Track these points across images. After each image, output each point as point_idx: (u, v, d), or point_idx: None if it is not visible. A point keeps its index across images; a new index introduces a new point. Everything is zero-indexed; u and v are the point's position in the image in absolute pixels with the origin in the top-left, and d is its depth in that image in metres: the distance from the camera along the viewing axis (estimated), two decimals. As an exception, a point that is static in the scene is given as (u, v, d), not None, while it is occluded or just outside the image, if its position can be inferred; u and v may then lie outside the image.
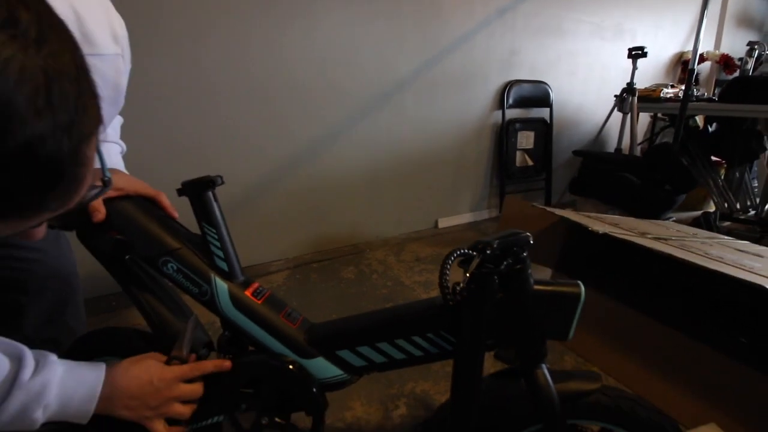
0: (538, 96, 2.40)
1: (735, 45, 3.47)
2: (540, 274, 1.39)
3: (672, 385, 1.03)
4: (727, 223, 2.37)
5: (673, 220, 2.22)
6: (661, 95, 2.34)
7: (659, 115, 2.77)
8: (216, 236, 0.64)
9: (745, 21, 3.65)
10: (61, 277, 0.78)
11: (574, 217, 1.12)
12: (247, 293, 0.65)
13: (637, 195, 1.90)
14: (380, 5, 1.81)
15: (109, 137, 0.69)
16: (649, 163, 1.97)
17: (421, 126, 2.09)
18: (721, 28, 3.43)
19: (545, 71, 2.42)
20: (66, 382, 0.49)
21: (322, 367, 0.65)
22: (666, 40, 3.02)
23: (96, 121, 0.29)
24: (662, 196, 1.87)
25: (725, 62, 3.25)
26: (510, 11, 2.17)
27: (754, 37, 3.76)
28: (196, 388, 0.59)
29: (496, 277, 0.53)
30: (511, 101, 2.29)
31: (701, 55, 3.25)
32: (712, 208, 2.53)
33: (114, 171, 0.66)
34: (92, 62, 0.29)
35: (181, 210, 0.71)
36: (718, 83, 3.31)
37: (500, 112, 2.29)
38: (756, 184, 2.69)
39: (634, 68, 2.29)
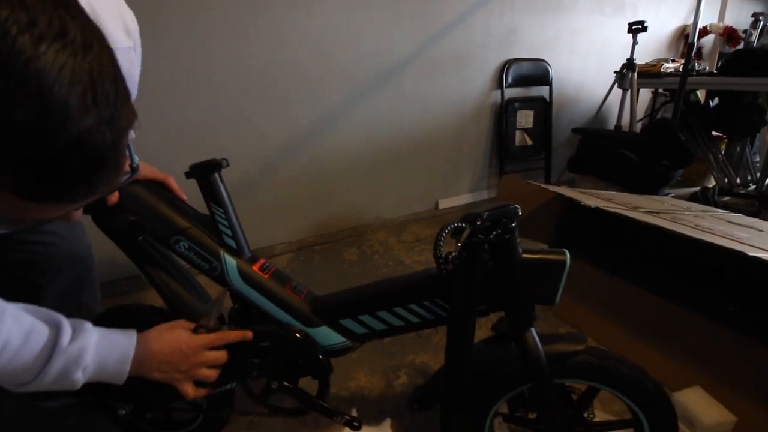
0: (538, 74, 2.39)
1: (740, 17, 3.40)
2: (537, 249, 1.43)
3: (661, 351, 1.08)
4: (726, 198, 2.39)
5: (672, 196, 2.24)
6: (662, 70, 2.33)
7: (660, 90, 2.75)
8: (223, 215, 0.68)
9: (751, -9, 3.57)
10: (77, 259, 0.82)
11: (568, 192, 1.15)
12: (255, 268, 0.69)
13: (635, 171, 1.92)
14: (377, -15, 1.80)
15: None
16: (647, 139, 1.98)
17: (421, 107, 2.10)
18: (725, 0, 3.36)
19: (545, 49, 2.40)
20: (101, 346, 0.53)
21: (326, 335, 0.70)
22: (668, 14, 2.96)
23: (131, 115, 0.34)
24: (660, 171, 1.89)
25: (729, 35, 3.19)
26: (508, -13, 2.15)
27: (759, 8, 3.68)
28: (221, 355, 0.64)
29: (486, 246, 0.56)
30: (510, 80, 2.28)
31: (704, 28, 3.19)
32: (712, 184, 2.54)
33: None
34: None
35: (188, 192, 0.75)
36: (721, 56, 3.26)
37: (499, 91, 2.29)
38: (757, 159, 2.69)
39: (634, 43, 2.27)
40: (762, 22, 2.84)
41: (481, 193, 2.46)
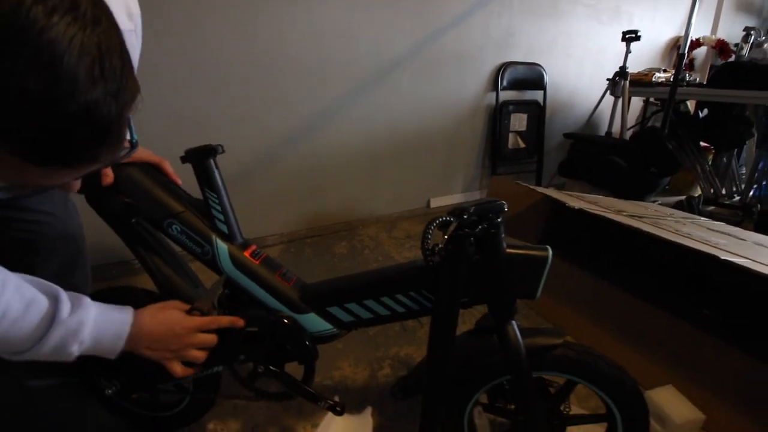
0: (533, 78, 2.42)
1: (733, 30, 3.47)
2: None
3: (638, 351, 1.11)
4: (711, 208, 2.45)
5: (659, 203, 2.29)
6: (653, 79, 2.38)
7: (651, 99, 2.81)
8: (217, 201, 0.69)
9: (744, 6, 3.64)
10: (70, 239, 0.83)
11: (554, 194, 1.17)
12: (246, 254, 0.70)
13: (624, 177, 1.96)
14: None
15: None
16: (636, 146, 2.02)
17: (417, 106, 2.11)
18: (718, 13, 3.42)
19: (540, 53, 2.43)
20: (99, 321, 0.54)
21: (313, 321, 0.71)
22: (663, 24, 3.02)
23: (135, 89, 0.35)
24: (648, 178, 1.93)
25: (721, 48, 3.26)
26: (507, -9, 2.17)
27: (753, 23, 3.76)
28: (212, 338, 0.65)
29: (471, 240, 0.58)
30: (505, 83, 2.31)
31: (697, 41, 3.25)
32: (699, 193, 2.60)
33: None
34: None
35: (183, 177, 0.75)
36: (713, 69, 3.33)
37: (494, 93, 2.31)
38: (744, 171, 2.76)
39: (628, 52, 2.31)
40: (753, 37, 2.91)
41: (473, 194, 2.49)
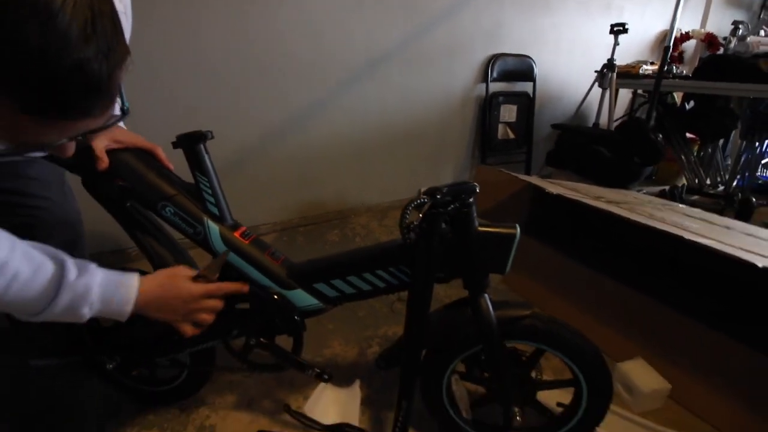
0: (522, 70, 2.46)
1: (723, 24, 3.51)
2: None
3: (612, 327, 1.17)
4: (694, 197, 2.52)
5: (643, 192, 2.35)
6: (640, 72, 2.42)
7: (639, 91, 2.85)
8: (207, 184, 0.73)
9: (734, 0, 3.69)
10: (68, 224, 0.87)
11: (535, 181, 1.23)
12: (236, 234, 0.75)
13: (608, 167, 2.01)
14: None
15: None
16: (621, 137, 2.07)
17: (407, 97, 2.15)
18: (708, 7, 3.46)
19: (530, 45, 2.47)
20: (106, 285, 0.58)
21: (301, 297, 0.76)
22: (653, 17, 3.06)
23: (125, 51, 0.39)
24: (631, 168, 1.99)
25: (709, 41, 3.31)
26: (497, -17, 2.20)
27: (742, 16, 3.80)
28: (218, 304, 0.69)
29: (444, 218, 0.63)
30: (495, 74, 2.35)
31: (686, 34, 3.30)
32: (684, 183, 2.67)
33: (115, 126, 0.74)
34: None
35: (174, 162, 0.79)
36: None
37: (484, 85, 2.35)
38: (729, 162, 2.82)
39: (616, 44, 2.35)
40: (741, 30, 2.95)
41: (463, 183, 2.54)
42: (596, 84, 2.50)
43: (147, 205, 0.75)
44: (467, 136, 2.46)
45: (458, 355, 0.78)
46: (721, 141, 2.87)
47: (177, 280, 0.66)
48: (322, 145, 1.98)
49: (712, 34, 3.30)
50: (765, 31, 3.36)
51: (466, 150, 2.49)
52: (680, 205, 1.61)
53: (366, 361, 1.14)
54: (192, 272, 0.68)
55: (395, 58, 2.04)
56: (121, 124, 0.79)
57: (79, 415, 0.94)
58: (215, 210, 0.75)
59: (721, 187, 2.60)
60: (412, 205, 0.63)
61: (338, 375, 1.07)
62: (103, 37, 0.35)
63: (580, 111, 2.68)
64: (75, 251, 0.95)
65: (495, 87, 2.39)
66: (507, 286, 1.50)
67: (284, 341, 0.82)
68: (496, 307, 0.72)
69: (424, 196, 0.63)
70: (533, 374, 0.81)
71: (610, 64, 2.36)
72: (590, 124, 2.74)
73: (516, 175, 1.27)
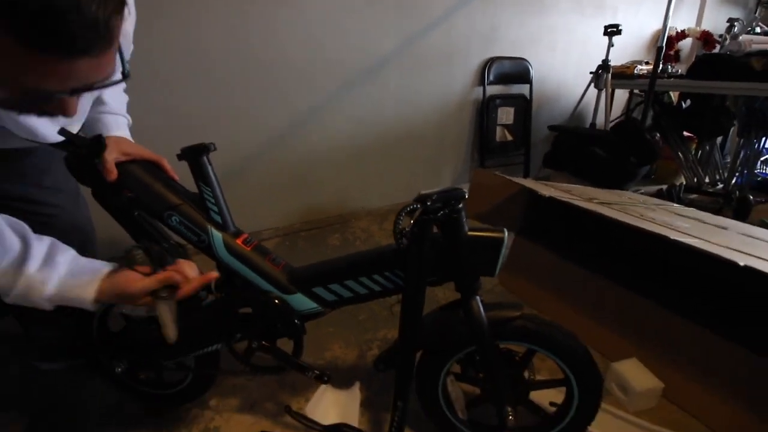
0: (519, 72, 2.49)
1: (719, 21, 3.53)
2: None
3: (607, 328, 1.20)
4: (693, 195, 2.54)
5: (641, 192, 2.37)
6: (635, 72, 2.45)
7: (636, 91, 2.88)
8: (211, 194, 0.77)
9: (730, -3, 3.71)
10: (79, 230, 0.91)
11: (529, 184, 1.25)
12: (238, 241, 0.79)
13: (604, 167, 2.04)
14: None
15: (118, 111, 0.80)
16: (616, 137, 2.10)
17: (405, 101, 2.18)
18: (703, 5, 3.48)
19: (526, 47, 2.50)
20: (63, 285, 0.60)
21: (300, 301, 0.79)
22: (647, 17, 3.08)
23: (120, 3, 0.41)
24: (627, 168, 2.01)
25: (705, 39, 3.33)
26: (491, -13, 2.24)
27: (738, 13, 3.82)
28: (148, 300, 0.67)
29: (435, 223, 0.67)
30: (491, 78, 2.38)
31: (682, 32, 3.32)
32: (683, 181, 2.69)
33: (122, 139, 0.78)
34: None
35: (179, 173, 0.83)
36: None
37: (481, 88, 2.38)
38: (728, 160, 2.84)
39: (610, 45, 2.38)
40: (737, 28, 2.97)
41: (463, 186, 2.56)
42: (592, 85, 2.53)
43: (154, 215, 0.78)
44: (465, 138, 2.49)
45: (452, 356, 0.81)
46: (720, 139, 2.89)
47: (123, 278, 0.65)
48: (322, 149, 2.02)
49: (707, 32, 3.31)
50: (761, 28, 3.38)
51: (465, 152, 2.52)
52: (674, 205, 1.63)
53: (366, 363, 1.17)
54: (139, 274, 0.66)
55: (393, 62, 2.07)
56: (128, 136, 0.82)
57: (82, 416, 0.97)
58: (218, 218, 0.78)
59: (720, 185, 2.61)
60: (405, 211, 0.66)
61: (338, 377, 1.10)
62: None
63: (577, 112, 2.71)
64: (85, 255, 0.99)
65: (492, 90, 2.42)
66: (504, 288, 1.53)
67: (285, 344, 0.86)
68: (488, 308, 0.74)
69: (416, 203, 0.66)
70: (526, 374, 0.84)
71: (604, 65, 2.39)
72: (587, 125, 2.76)
73: (510, 179, 1.30)
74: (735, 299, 1.03)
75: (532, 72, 2.54)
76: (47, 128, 0.64)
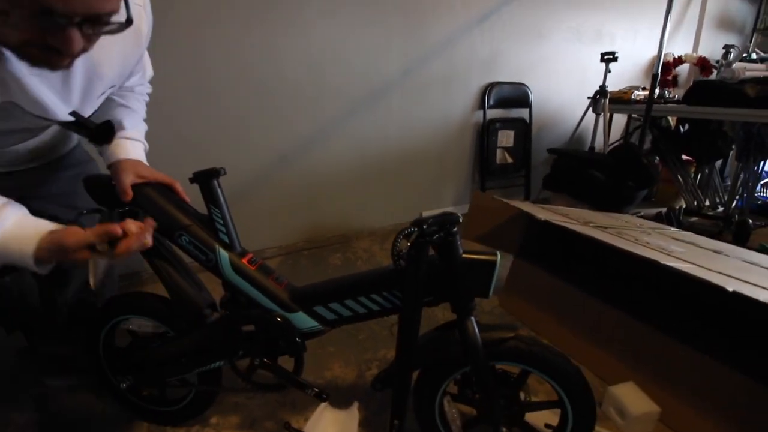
0: (518, 97, 2.56)
1: (716, 46, 3.62)
2: (501, 260, 1.55)
3: (605, 351, 1.21)
4: (693, 219, 2.55)
5: (640, 215, 2.40)
6: (632, 97, 2.51)
7: (634, 115, 2.94)
8: (220, 215, 0.81)
9: (726, 24, 3.81)
10: None
11: (526, 207, 1.29)
12: (244, 261, 0.82)
13: (602, 190, 2.07)
14: (368, 12, 1.96)
15: (137, 137, 0.86)
16: (614, 161, 2.14)
17: (407, 124, 2.25)
18: (699, 32, 3.59)
19: (525, 73, 2.58)
20: (10, 232, 0.61)
21: (302, 319, 0.82)
22: (644, 43, 3.17)
23: None
24: (624, 191, 2.05)
25: (702, 65, 3.41)
26: (490, 17, 2.33)
27: (734, 40, 3.92)
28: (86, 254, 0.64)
29: (430, 246, 0.70)
30: (491, 102, 2.45)
31: (680, 58, 3.41)
32: (683, 205, 2.71)
33: (138, 163, 0.83)
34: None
35: (190, 195, 0.88)
36: (693, 86, 3.46)
37: (481, 112, 2.45)
38: (729, 183, 2.86)
39: (607, 71, 2.45)
40: (733, 54, 3.05)
41: (464, 207, 2.60)
42: (590, 109, 2.59)
43: (165, 234, 0.82)
44: (466, 160, 2.54)
45: (448, 376, 0.83)
46: (719, 162, 2.93)
47: (67, 237, 0.63)
48: (325, 171, 2.07)
49: (704, 58, 3.40)
50: (757, 54, 3.46)
51: (466, 174, 2.57)
52: (672, 229, 1.65)
53: (365, 383, 1.18)
54: (87, 236, 0.64)
55: (395, 88, 2.15)
56: (145, 161, 0.87)
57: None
58: (226, 239, 0.82)
59: (721, 209, 2.63)
60: (402, 234, 0.70)
61: (337, 397, 1.11)
62: None
63: (576, 135, 2.76)
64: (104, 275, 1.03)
65: (492, 113, 2.49)
66: (504, 310, 1.55)
67: (286, 363, 0.88)
68: (482, 329, 0.77)
69: (413, 226, 0.70)
70: (522, 396, 0.85)
71: (602, 91, 2.46)
72: (587, 148, 2.81)
73: (508, 202, 1.33)
74: (732, 325, 1.04)
75: (532, 96, 2.61)
76: (57, 106, 0.67)
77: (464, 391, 0.89)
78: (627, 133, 2.96)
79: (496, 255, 0.74)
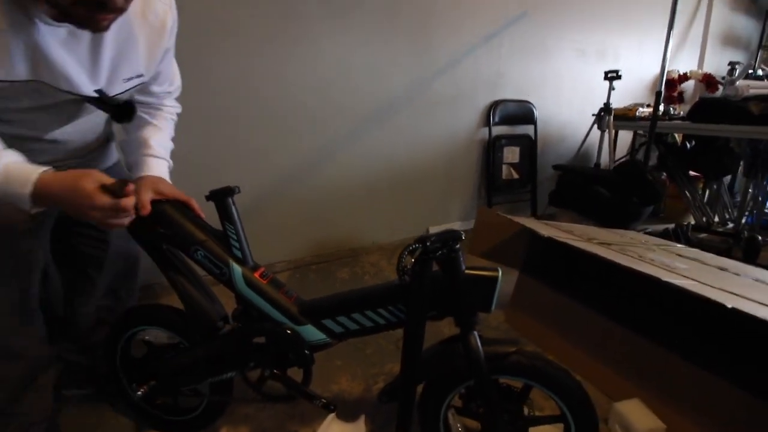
0: (523, 114, 2.61)
1: (722, 62, 3.65)
2: (506, 276, 1.57)
3: (610, 367, 1.21)
4: (702, 235, 2.54)
5: (647, 231, 2.39)
6: (637, 114, 2.54)
7: (640, 131, 2.96)
8: (233, 231, 0.85)
9: (731, 40, 3.84)
10: (126, 259, 1.01)
11: (529, 224, 1.31)
12: (256, 275, 0.86)
13: (608, 207, 2.09)
14: (375, 34, 2.03)
15: (162, 156, 0.91)
16: (618, 177, 2.16)
17: (414, 141, 2.31)
18: (704, 49, 3.62)
19: (530, 91, 2.63)
20: (9, 168, 0.63)
21: (311, 332, 0.85)
22: (650, 61, 3.21)
23: None
24: (630, 208, 2.06)
25: (707, 81, 3.44)
26: (495, 37, 2.40)
27: (740, 56, 3.94)
28: (105, 217, 0.68)
29: (436, 262, 0.73)
30: (497, 119, 2.50)
31: (685, 74, 3.44)
32: (692, 221, 2.70)
33: (159, 179, 0.88)
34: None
35: (205, 212, 0.92)
36: (697, 103, 3.48)
37: (487, 129, 2.50)
38: (738, 199, 2.85)
39: (611, 89, 2.49)
40: (738, 70, 3.07)
41: (470, 222, 2.63)
42: (595, 126, 2.62)
43: (181, 249, 0.87)
44: (473, 176, 2.58)
45: (452, 390, 0.85)
46: (729, 178, 2.92)
47: (81, 183, 0.65)
48: (334, 187, 2.13)
49: (709, 74, 3.43)
50: (763, 70, 3.47)
51: (473, 190, 2.60)
52: (678, 245, 1.66)
53: (372, 396, 1.20)
54: (102, 180, 0.67)
55: (402, 105, 2.21)
56: (167, 178, 0.92)
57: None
58: (239, 254, 0.86)
59: (731, 225, 2.62)
60: (407, 250, 0.73)
61: (344, 410, 1.13)
62: None
63: (581, 151, 2.79)
64: (126, 280, 1.08)
65: (497, 130, 2.54)
66: (510, 325, 1.55)
67: (295, 375, 0.91)
68: (485, 343, 0.79)
69: (417, 243, 0.73)
70: (525, 410, 0.87)
71: (606, 108, 2.49)
72: (592, 164, 2.83)
73: (511, 218, 1.36)
74: (732, 340, 1.04)
75: (536, 113, 2.65)
76: (84, 82, 0.72)
77: (469, 404, 0.90)
78: (633, 149, 2.98)
79: (497, 271, 0.77)
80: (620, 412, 1.07)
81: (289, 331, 0.85)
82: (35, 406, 0.91)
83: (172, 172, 1.03)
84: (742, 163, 2.52)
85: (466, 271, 0.76)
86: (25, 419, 0.89)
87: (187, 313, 0.90)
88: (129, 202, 0.69)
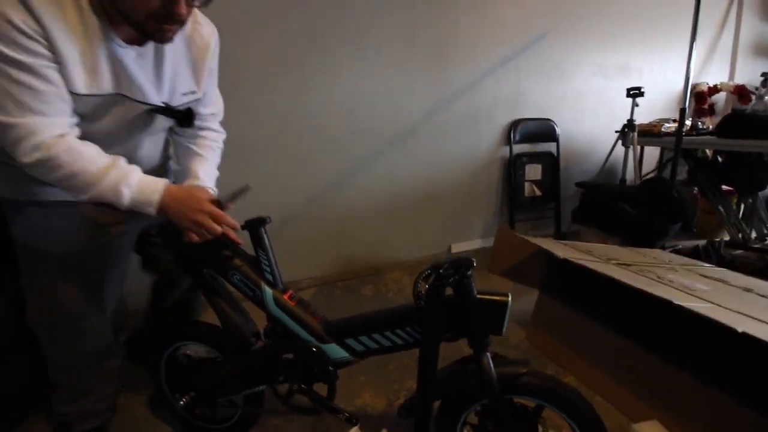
0: (544, 132, 2.63)
1: (754, 73, 3.53)
2: (527, 296, 1.60)
3: (628, 388, 1.21)
4: (738, 252, 2.45)
5: (677, 248, 2.34)
6: (662, 130, 2.51)
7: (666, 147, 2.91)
8: (265, 257, 0.95)
9: (763, 50, 3.71)
10: (129, 258, 1.07)
11: (545, 244, 1.34)
12: (285, 297, 0.95)
13: (633, 224, 2.07)
14: (394, 59, 2.13)
15: (207, 185, 1.02)
16: (645, 194, 2.14)
17: (435, 160, 2.37)
18: (734, 58, 3.53)
19: (550, 109, 2.66)
20: (143, 176, 0.81)
21: (334, 350, 0.93)
22: (675, 74, 3.16)
23: None
24: (657, 225, 2.03)
25: (740, 93, 3.33)
26: (514, 59, 2.45)
27: (768, 68, 3.80)
28: (215, 228, 0.87)
29: (446, 288, 0.79)
30: (517, 137, 2.53)
31: (715, 86, 3.35)
32: (727, 237, 2.61)
33: None
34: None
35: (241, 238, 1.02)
36: (728, 116, 3.38)
37: (507, 147, 2.54)
38: (777, 214, 2.73)
39: (634, 105, 2.48)
40: (771, 82, 2.97)
41: (491, 239, 2.64)
42: (619, 142, 2.60)
43: (220, 273, 0.97)
44: (494, 194, 2.61)
45: (467, 408, 0.90)
46: (766, 192, 2.81)
47: (196, 193, 0.87)
48: (358, 207, 2.22)
49: (741, 85, 3.32)
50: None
51: (494, 207, 2.63)
52: (705, 265, 1.63)
53: (393, 411, 1.25)
54: (210, 195, 0.90)
55: (422, 126, 2.29)
56: None
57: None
58: (270, 278, 0.95)
59: (768, 241, 2.51)
60: (422, 276, 0.80)
61: (367, 424, 1.19)
62: None
63: (606, 167, 2.77)
64: (124, 279, 1.15)
65: (518, 148, 2.56)
66: (530, 344, 1.57)
67: (320, 389, 0.98)
68: (497, 363, 0.84)
69: (430, 270, 0.80)
70: (540, 430, 0.90)
71: (630, 125, 2.48)
72: (618, 180, 2.80)
73: (528, 239, 1.39)
74: (742, 360, 1.03)
75: (558, 131, 2.67)
76: (152, 93, 0.86)
77: (484, 422, 0.94)
78: (660, 164, 2.92)
79: (507, 296, 0.82)
80: (639, 435, 1.07)
81: (314, 349, 0.93)
82: (100, 390, 1.01)
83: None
84: (778, 177, 2.43)
85: (478, 296, 0.82)
86: (89, 401, 1.00)
87: (223, 330, 1.00)
88: (227, 214, 0.88)
